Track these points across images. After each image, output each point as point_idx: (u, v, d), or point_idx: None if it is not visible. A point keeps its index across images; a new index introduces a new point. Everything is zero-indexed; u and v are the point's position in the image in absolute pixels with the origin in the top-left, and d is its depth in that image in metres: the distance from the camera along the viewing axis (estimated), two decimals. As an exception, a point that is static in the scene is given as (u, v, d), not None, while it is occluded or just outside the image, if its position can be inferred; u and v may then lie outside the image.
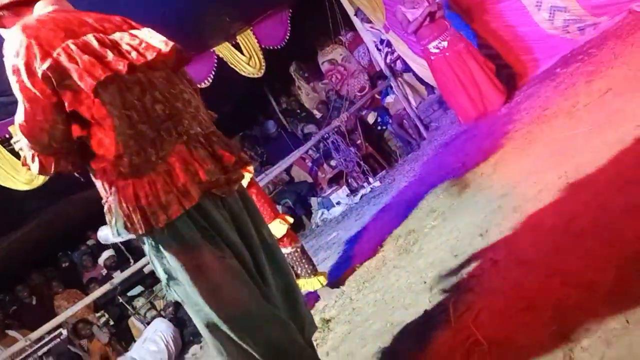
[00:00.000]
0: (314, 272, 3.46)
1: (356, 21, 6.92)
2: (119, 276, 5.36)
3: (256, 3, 6.20)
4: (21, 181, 4.25)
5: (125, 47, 1.62)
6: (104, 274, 6.51)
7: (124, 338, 5.82)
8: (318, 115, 8.29)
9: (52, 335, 4.98)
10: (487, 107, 5.03)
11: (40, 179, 4.32)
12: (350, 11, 6.81)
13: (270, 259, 1.87)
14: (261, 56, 6.23)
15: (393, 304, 2.54)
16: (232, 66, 6.11)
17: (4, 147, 4.30)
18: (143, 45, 1.63)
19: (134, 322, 5.73)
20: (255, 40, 6.22)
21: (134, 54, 1.60)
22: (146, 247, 1.68)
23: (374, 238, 4.01)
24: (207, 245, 1.64)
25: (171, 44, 1.68)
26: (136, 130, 1.59)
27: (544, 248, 2.04)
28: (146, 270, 5.35)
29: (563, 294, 1.67)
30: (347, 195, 6.46)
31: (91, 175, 1.70)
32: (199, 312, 1.68)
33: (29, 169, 1.67)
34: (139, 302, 5.70)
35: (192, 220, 1.64)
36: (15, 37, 1.55)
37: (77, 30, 1.60)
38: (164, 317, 5.37)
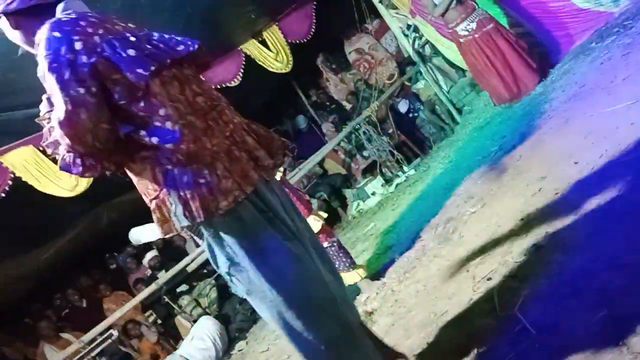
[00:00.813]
0: (353, 265, 3.47)
1: (381, 8, 6.85)
2: (163, 276, 5.49)
3: (280, -2, 6.22)
4: (64, 188, 4.39)
5: (157, 43, 1.62)
6: (148, 274, 6.68)
7: (172, 336, 5.97)
8: (348, 106, 8.26)
9: (103, 337, 5.16)
10: (521, 87, 4.91)
11: (83, 185, 4.46)
12: (374, -3, 6.75)
13: (314, 246, 1.89)
14: (288, 51, 6.24)
15: (436, 294, 2.53)
16: (260, 63, 6.15)
17: (46, 155, 4.47)
18: (173, 41, 1.65)
19: (180, 320, 5.86)
20: (282, 35, 6.24)
21: (171, 52, 1.62)
22: (204, 236, 1.66)
23: (412, 227, 3.98)
24: (267, 228, 1.65)
25: (197, 42, 1.70)
26: (186, 120, 1.58)
27: (587, 230, 2.00)
28: (189, 269, 5.48)
29: (609, 276, 1.63)
30: (382, 185, 6.43)
31: (133, 175, 1.67)
32: (264, 299, 1.65)
33: (69, 172, 1.58)
34: (184, 301, 5.82)
35: (251, 203, 1.64)
36: (51, 35, 1.48)
37: (111, 28, 1.58)
38: (209, 314, 5.48)
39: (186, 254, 6.53)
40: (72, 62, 1.46)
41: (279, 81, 7.53)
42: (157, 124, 1.55)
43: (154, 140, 1.55)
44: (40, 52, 1.49)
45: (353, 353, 1.71)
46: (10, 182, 4.24)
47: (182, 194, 1.55)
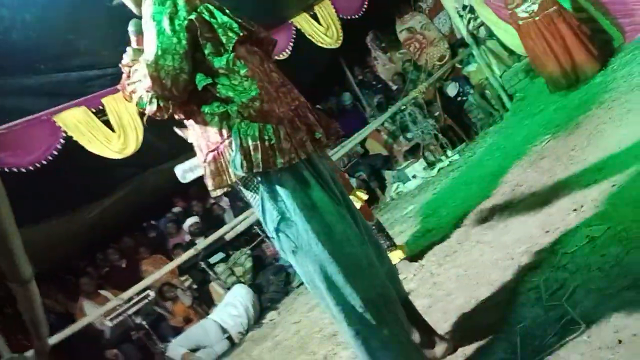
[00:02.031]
0: (392, 245, 3.43)
1: (437, -13, 6.66)
2: (202, 242, 5.59)
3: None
4: (113, 150, 4.50)
5: (247, 21, 1.86)
6: (187, 240, 6.82)
7: (205, 302, 6.11)
8: (394, 86, 8.12)
9: (140, 297, 5.31)
10: (580, 75, 4.71)
11: (132, 148, 4.56)
12: (431, -25, 6.57)
13: (361, 222, 1.98)
14: (339, 26, 6.15)
15: (477, 279, 2.46)
16: (310, 37, 6.08)
17: (98, 117, 4.57)
18: (256, 26, 1.90)
19: (214, 286, 5.98)
20: (334, 10, 6.15)
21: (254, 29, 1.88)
22: (259, 191, 1.76)
23: (454, 213, 3.89)
24: (318, 188, 1.78)
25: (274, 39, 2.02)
26: (263, 84, 1.78)
27: (648, 225, 1.89)
28: (227, 237, 5.55)
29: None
30: (424, 169, 6.32)
31: (199, 125, 1.81)
32: (308, 253, 1.73)
33: (142, 109, 1.79)
34: (220, 268, 5.92)
35: (304, 167, 1.78)
36: None
37: (211, 0, 1.82)
38: (243, 283, 5.56)
39: (224, 223, 6.63)
40: (173, 14, 1.68)
41: (326, 57, 7.45)
42: (236, 81, 1.73)
43: (230, 94, 1.72)
44: (149, 2, 1.71)
45: (388, 318, 1.76)
46: (62, 141, 4.36)
47: (245, 145, 1.69)
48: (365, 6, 6.35)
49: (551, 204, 2.67)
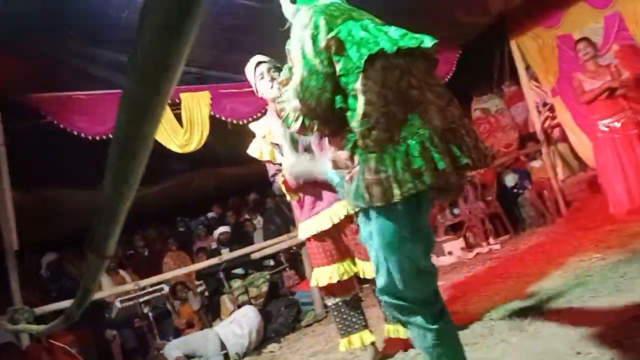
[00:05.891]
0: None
1: (523, 77, 6.70)
2: (227, 254, 5.63)
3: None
4: (176, 144, 4.66)
5: (387, 31, 1.78)
6: (213, 247, 6.90)
7: (212, 312, 6.11)
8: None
9: (154, 288, 5.37)
10: (646, 203, 4.59)
11: (193, 147, 4.72)
12: (520, 65, 6.61)
13: None
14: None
15: (494, 378, 2.38)
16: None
17: (171, 109, 4.77)
18: (408, 35, 1.77)
19: (225, 300, 5.99)
20: (417, 73, 6.25)
21: (401, 42, 1.73)
22: (368, 215, 1.79)
23: (482, 303, 3.79)
24: (408, 242, 1.75)
25: (434, 41, 1.78)
26: (388, 110, 1.68)
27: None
28: (253, 256, 5.57)
29: None
30: (462, 249, 6.22)
31: (333, 147, 1.88)
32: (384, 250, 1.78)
33: (288, 126, 1.92)
34: (236, 284, 5.94)
35: (410, 209, 1.72)
36: (308, 15, 1.80)
37: (356, 17, 1.82)
38: (254, 305, 5.54)
39: (251, 242, 6.69)
40: (315, 37, 1.75)
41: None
42: (359, 107, 1.69)
43: (353, 123, 1.72)
44: (296, 26, 1.83)
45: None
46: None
47: (368, 177, 1.68)
48: (449, 77, 6.44)
49: (589, 326, 2.56)
